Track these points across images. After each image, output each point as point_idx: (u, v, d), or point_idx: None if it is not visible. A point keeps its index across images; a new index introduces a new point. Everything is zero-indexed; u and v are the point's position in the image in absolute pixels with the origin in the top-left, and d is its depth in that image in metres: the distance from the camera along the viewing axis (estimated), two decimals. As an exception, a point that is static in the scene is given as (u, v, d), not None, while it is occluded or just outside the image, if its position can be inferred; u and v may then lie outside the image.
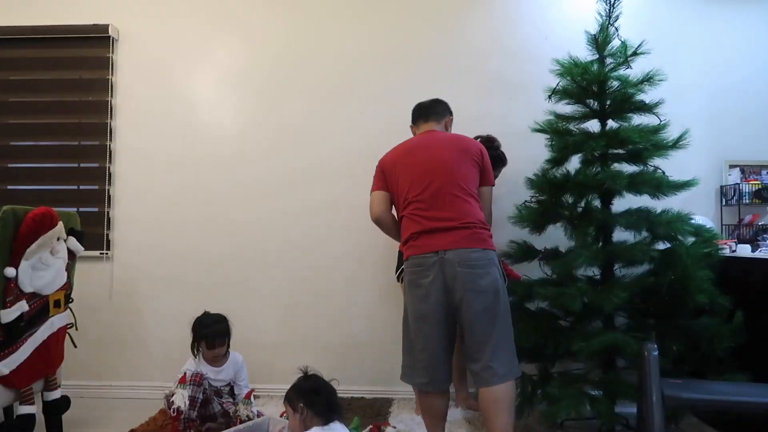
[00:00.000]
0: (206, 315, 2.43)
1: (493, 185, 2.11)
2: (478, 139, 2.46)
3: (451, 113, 2.21)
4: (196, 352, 2.40)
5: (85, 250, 2.40)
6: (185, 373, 2.27)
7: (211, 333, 2.34)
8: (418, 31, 3.02)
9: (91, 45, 3.07)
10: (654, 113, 2.31)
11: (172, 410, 2.17)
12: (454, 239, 1.86)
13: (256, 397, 2.75)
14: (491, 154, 2.20)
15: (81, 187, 3.06)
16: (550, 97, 2.43)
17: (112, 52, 3.08)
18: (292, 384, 1.83)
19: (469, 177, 1.96)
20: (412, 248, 1.93)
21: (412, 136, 2.19)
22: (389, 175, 2.06)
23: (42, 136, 3.08)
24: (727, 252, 2.41)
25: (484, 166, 2.04)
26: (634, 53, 2.28)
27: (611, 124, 2.39)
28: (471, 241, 1.86)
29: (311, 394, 1.77)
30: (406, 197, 1.97)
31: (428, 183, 1.93)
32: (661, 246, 2.28)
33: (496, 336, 1.85)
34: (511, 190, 2.79)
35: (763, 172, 2.86)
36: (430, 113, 2.15)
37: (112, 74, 3.07)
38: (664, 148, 2.24)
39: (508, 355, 1.88)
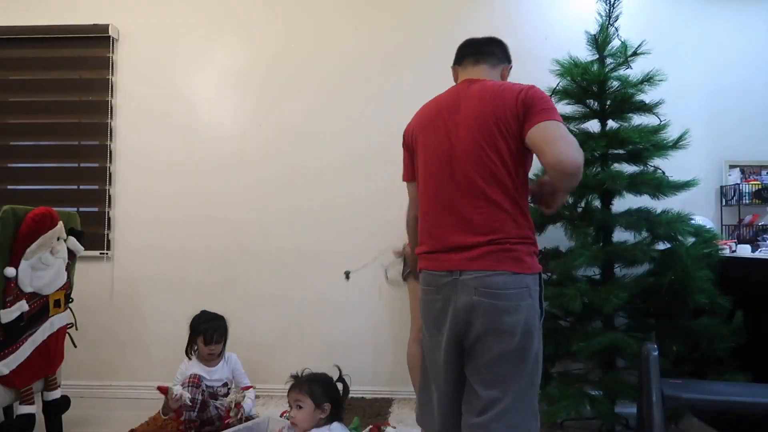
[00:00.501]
0: (204, 312, 2.46)
1: (553, 119, 1.35)
2: None
3: (510, 61, 1.66)
4: (191, 352, 2.41)
5: (85, 250, 2.40)
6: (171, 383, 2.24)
7: (210, 328, 2.37)
8: (418, 31, 3.01)
9: (91, 45, 3.07)
10: (654, 113, 2.31)
11: (175, 399, 2.13)
12: (474, 255, 1.37)
13: (255, 397, 2.75)
14: None
15: (81, 187, 3.06)
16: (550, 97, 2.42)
17: (112, 52, 3.07)
18: (322, 379, 1.84)
19: (500, 164, 1.38)
20: (424, 260, 1.52)
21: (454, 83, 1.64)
22: (413, 154, 1.58)
23: (42, 136, 3.08)
24: (727, 252, 2.41)
25: (526, 111, 1.37)
26: (634, 53, 2.28)
27: (611, 124, 2.39)
28: (499, 259, 1.35)
29: (340, 400, 1.82)
30: (418, 194, 1.55)
31: (443, 180, 1.45)
32: (661, 246, 2.29)
33: (515, 392, 1.33)
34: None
35: (763, 172, 2.86)
36: (485, 53, 1.57)
37: (112, 74, 3.07)
38: (664, 148, 2.25)
39: (525, 419, 1.36)
